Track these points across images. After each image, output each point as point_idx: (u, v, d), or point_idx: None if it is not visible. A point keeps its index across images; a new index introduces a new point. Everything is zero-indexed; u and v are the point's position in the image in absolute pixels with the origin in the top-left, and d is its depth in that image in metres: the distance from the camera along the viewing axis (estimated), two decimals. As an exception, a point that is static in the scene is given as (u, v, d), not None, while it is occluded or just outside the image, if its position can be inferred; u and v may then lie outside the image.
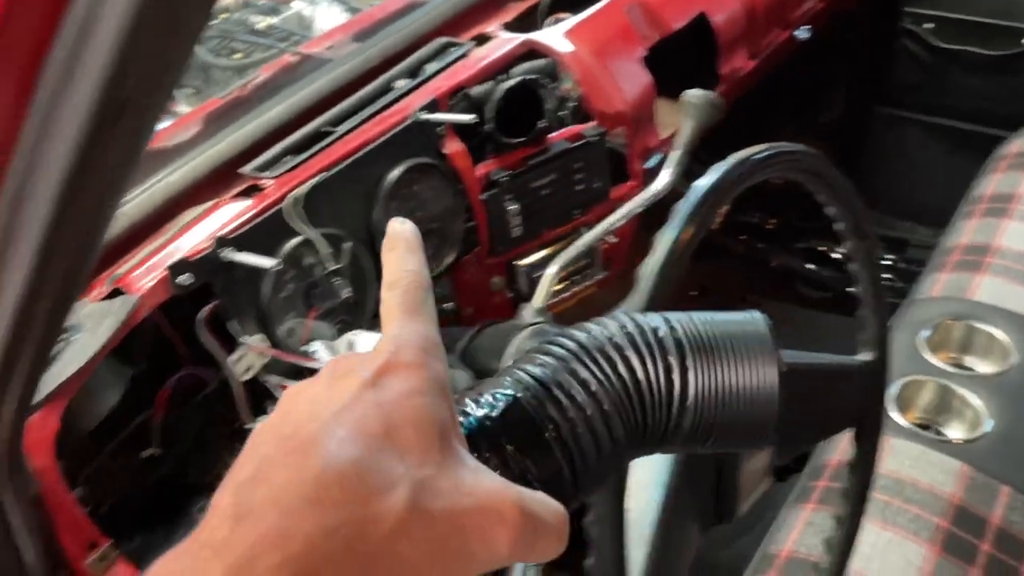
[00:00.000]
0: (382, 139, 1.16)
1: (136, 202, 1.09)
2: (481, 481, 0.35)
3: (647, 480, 0.79)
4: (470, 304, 1.35)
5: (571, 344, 0.47)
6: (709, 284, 2.34)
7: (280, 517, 0.30)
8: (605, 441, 0.44)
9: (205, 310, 1.00)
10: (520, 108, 1.29)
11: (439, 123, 1.21)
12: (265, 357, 1.01)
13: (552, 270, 1.11)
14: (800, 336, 0.99)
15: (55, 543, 0.80)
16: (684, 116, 1.00)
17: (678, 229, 0.67)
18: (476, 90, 1.32)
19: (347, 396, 0.34)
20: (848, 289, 0.79)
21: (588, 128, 1.37)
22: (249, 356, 1.00)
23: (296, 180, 1.09)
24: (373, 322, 1.14)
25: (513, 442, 0.41)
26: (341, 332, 1.12)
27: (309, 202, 1.06)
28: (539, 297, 1.09)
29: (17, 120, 0.47)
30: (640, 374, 0.46)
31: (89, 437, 0.90)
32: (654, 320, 0.49)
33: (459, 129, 1.26)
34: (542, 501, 0.36)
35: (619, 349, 0.46)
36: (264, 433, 0.35)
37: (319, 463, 0.31)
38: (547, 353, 0.46)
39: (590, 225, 1.44)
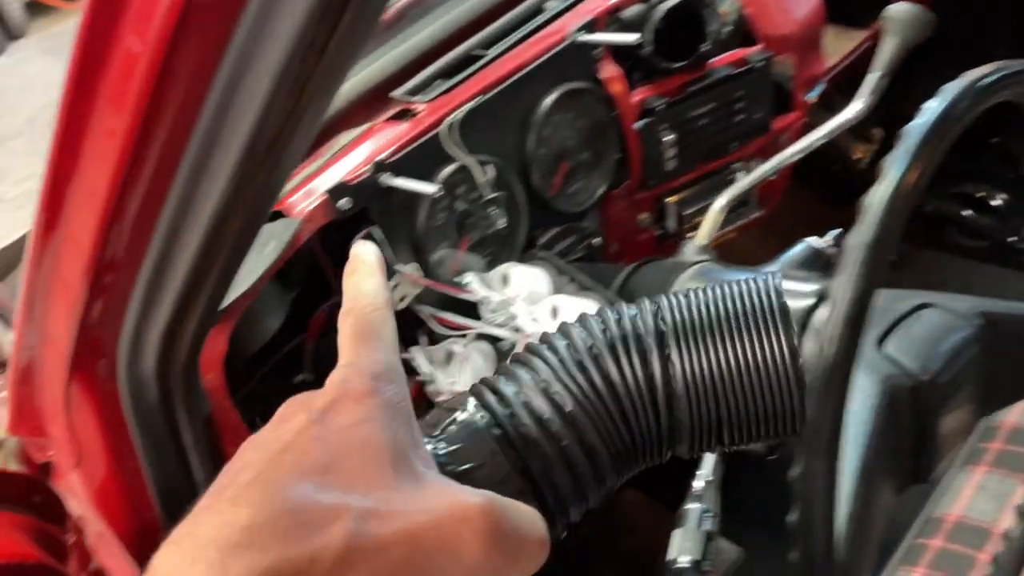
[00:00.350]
0: (538, 62, 1.10)
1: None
2: (442, 496, 0.35)
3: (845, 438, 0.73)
4: (616, 239, 1.29)
5: (549, 356, 0.42)
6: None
7: (206, 569, 0.30)
8: (584, 470, 0.40)
9: (359, 236, 0.98)
10: (679, 30, 1.20)
11: (596, 45, 1.14)
12: (419, 287, 0.98)
13: (719, 204, 1.03)
14: (951, 287, 0.89)
15: (224, 462, 0.81)
16: (886, 33, 0.90)
17: (911, 156, 0.59)
18: (628, 12, 1.23)
19: (289, 436, 0.35)
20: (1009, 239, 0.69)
21: (752, 53, 1.26)
22: (403, 285, 0.98)
23: (449, 105, 1.04)
24: (523, 255, 1.10)
25: (480, 483, 0.37)
26: (490, 265, 1.09)
27: (464, 128, 1.02)
28: (703, 233, 1.02)
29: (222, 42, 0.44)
30: (619, 383, 0.41)
31: (247, 360, 0.90)
32: (639, 311, 0.43)
33: (614, 52, 1.18)
34: (516, 506, 0.36)
35: (597, 359, 0.41)
36: (213, 484, 0.35)
37: (248, 509, 0.31)
38: (524, 364, 0.42)
39: (747, 160, 1.35)
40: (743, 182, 1.05)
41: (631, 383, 0.41)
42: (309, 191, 0.95)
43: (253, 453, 0.35)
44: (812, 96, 1.43)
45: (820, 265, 0.96)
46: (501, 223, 1.01)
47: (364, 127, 1.07)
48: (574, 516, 0.43)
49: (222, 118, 0.47)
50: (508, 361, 0.44)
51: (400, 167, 0.96)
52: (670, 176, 1.28)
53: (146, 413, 0.71)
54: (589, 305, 0.93)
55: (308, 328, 1.05)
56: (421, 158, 0.99)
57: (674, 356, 0.41)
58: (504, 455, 0.39)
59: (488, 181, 1.00)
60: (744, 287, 0.43)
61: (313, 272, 1.04)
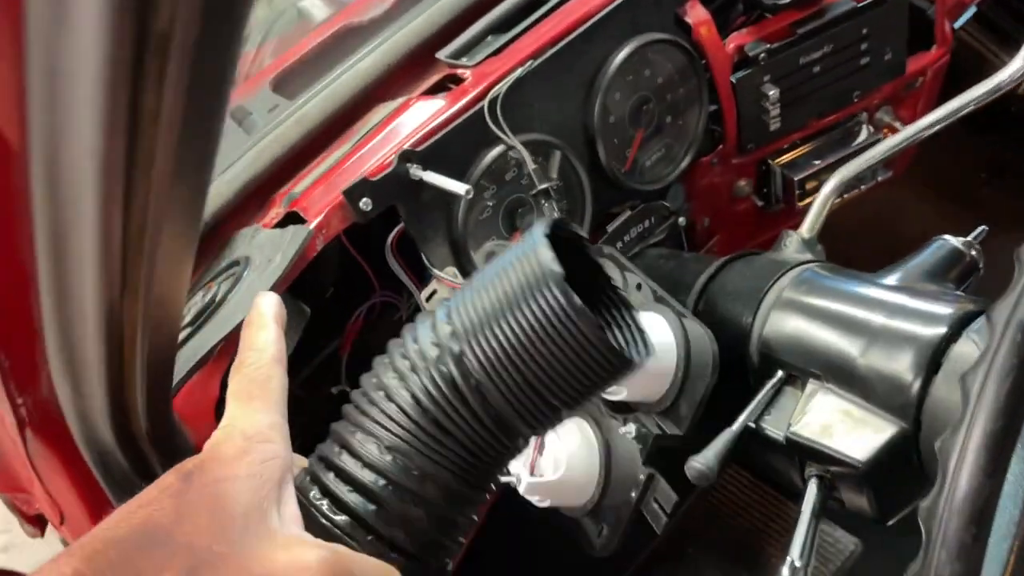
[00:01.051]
0: (605, 11, 0.90)
1: (322, 97, 0.94)
2: (286, 551, 0.40)
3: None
4: (706, 213, 1.10)
5: (369, 409, 0.47)
6: (1007, 160, 1.86)
7: None
8: (432, 512, 0.45)
9: (394, 233, 0.84)
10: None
11: (680, -15, 0.93)
12: (459, 294, 0.84)
13: (830, 186, 0.83)
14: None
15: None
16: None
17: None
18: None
19: (152, 493, 0.40)
20: None
21: (883, -22, 1.01)
22: (442, 291, 0.84)
23: (498, 70, 0.87)
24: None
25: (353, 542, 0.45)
26: (550, 258, 0.93)
27: (512, 100, 0.85)
28: (809, 223, 0.82)
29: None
30: (431, 407, 0.45)
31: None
32: (432, 322, 0.47)
33: (705, -8, 0.97)
34: (364, 561, 0.42)
35: (404, 379, 0.46)
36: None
37: (79, 564, 0.36)
38: (348, 426, 0.48)
39: (873, 110, 1.11)
40: (859, 160, 0.84)
41: (441, 399, 0.45)
42: (331, 184, 0.82)
43: (116, 512, 0.40)
44: (960, 24, 1.16)
45: (959, 272, 0.75)
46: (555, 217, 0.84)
47: (399, 101, 0.91)
48: (453, 550, 0.48)
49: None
50: (340, 421, 0.49)
51: (433, 155, 0.81)
52: (775, 136, 1.07)
53: (121, 480, 0.61)
54: (654, 321, 0.76)
55: (344, 334, 0.93)
56: (461, 141, 0.83)
57: (467, 352, 0.44)
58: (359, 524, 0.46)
59: (538, 169, 0.83)
60: (508, 258, 0.45)
61: (347, 270, 0.92)
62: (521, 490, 0.75)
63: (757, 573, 1.40)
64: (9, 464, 0.67)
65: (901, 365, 0.65)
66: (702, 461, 0.68)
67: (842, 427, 0.67)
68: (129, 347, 0.46)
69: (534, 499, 0.77)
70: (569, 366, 0.44)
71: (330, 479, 0.47)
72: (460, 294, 0.47)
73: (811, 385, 0.71)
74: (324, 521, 0.46)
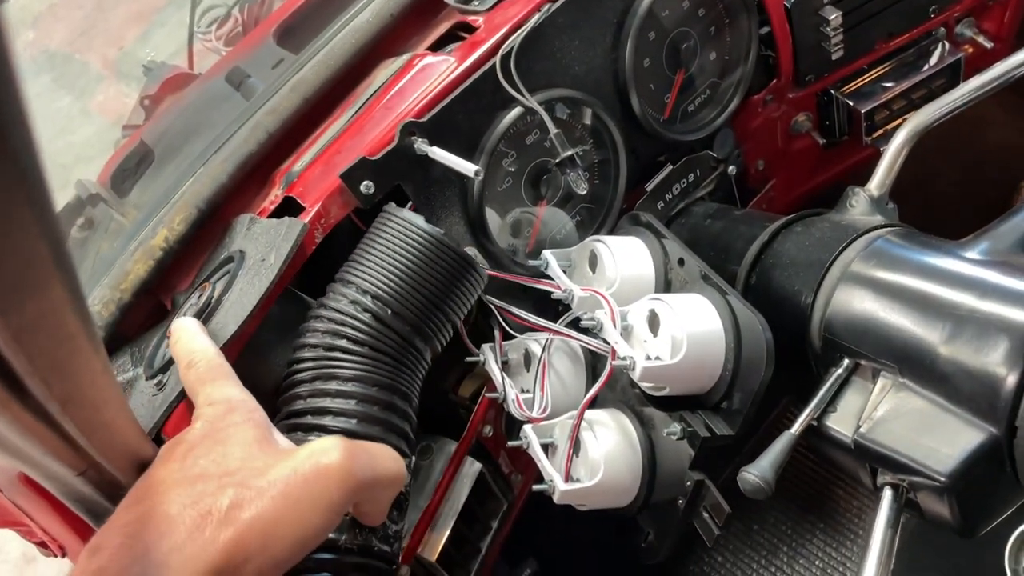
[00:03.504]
0: (634, -64, 0.78)
1: (322, 56, 0.84)
2: (301, 453, 0.48)
3: None
4: (760, 155, 0.98)
5: (308, 364, 0.62)
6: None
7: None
8: (386, 416, 0.61)
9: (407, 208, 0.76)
10: None
11: (721, -102, 0.80)
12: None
13: (903, 135, 0.71)
14: None
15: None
16: None
17: None
18: None
19: (170, 452, 0.50)
20: None
21: None
22: (461, 274, 0.76)
23: (514, 14, 0.76)
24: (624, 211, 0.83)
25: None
26: (581, 226, 0.83)
27: (530, 53, 0.74)
28: (879, 178, 0.71)
29: None
30: (364, 336, 0.62)
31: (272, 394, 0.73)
32: (333, 295, 0.65)
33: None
34: (368, 447, 0.51)
35: (337, 333, 0.62)
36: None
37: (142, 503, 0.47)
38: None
39: (952, 25, 0.96)
40: (944, 102, 0.71)
41: (372, 331, 0.62)
42: (331, 164, 0.73)
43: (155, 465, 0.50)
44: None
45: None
46: (583, 188, 0.74)
47: (404, 58, 0.81)
48: (412, 438, 0.64)
49: None
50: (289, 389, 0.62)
51: (441, 125, 0.71)
52: (838, 65, 0.93)
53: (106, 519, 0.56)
54: (696, 305, 0.67)
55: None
56: (472, 105, 0.73)
57: (380, 293, 0.63)
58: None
59: (560, 134, 0.72)
60: (382, 230, 0.66)
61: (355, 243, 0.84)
62: (556, 498, 0.68)
63: (825, 515, 1.33)
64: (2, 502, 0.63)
65: (993, 358, 0.55)
66: (757, 473, 0.59)
67: (920, 432, 0.58)
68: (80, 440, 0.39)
69: (572, 503, 0.70)
70: (441, 272, 0.63)
71: (308, 419, 0.59)
72: (345, 268, 0.66)
73: (883, 378, 0.61)
74: None
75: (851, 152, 1.04)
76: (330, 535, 0.53)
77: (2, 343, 0.24)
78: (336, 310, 0.62)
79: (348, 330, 0.61)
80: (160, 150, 1.01)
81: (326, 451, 0.48)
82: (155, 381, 0.66)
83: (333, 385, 0.59)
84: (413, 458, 0.65)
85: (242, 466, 0.48)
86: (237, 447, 0.49)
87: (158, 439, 0.60)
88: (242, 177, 0.80)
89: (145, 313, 0.80)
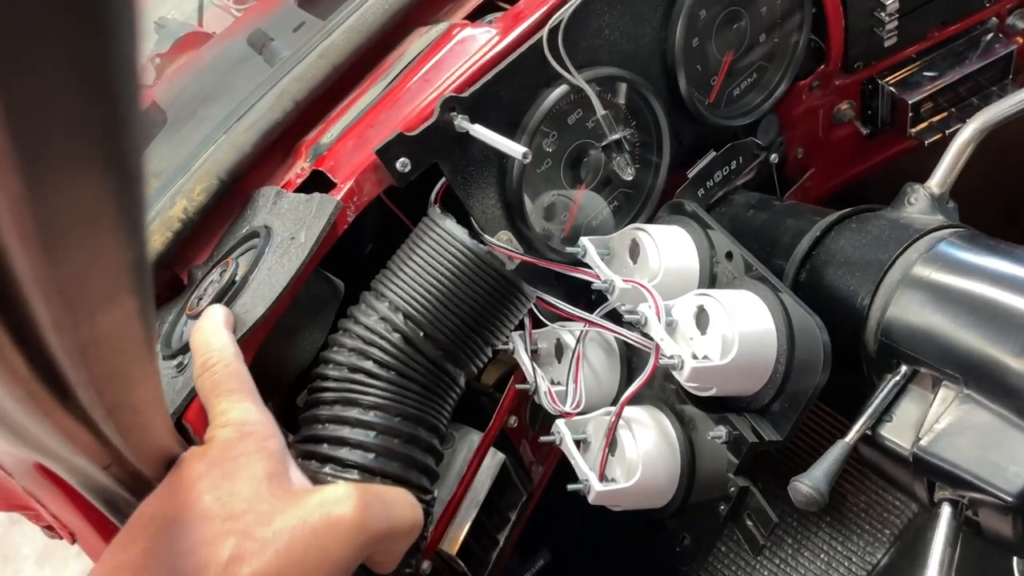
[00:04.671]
0: (690, -93, 0.73)
1: (353, 20, 0.80)
2: (311, 500, 0.44)
3: None
4: (800, 143, 0.94)
5: (331, 384, 0.58)
6: None
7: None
8: (408, 451, 0.56)
9: (438, 187, 0.72)
10: None
11: None
12: (513, 262, 0.72)
13: (969, 132, 0.67)
14: None
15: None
16: None
17: None
18: None
19: (175, 484, 0.45)
20: None
21: None
22: (495, 259, 0.72)
23: (559, -13, 0.72)
24: (662, 199, 0.80)
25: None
26: (619, 212, 0.80)
27: (577, 28, 0.70)
28: (940, 175, 0.68)
29: None
30: (390, 360, 0.57)
31: (296, 382, 0.69)
32: (363, 309, 0.61)
33: None
34: (384, 492, 0.48)
35: (363, 352, 0.58)
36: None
37: (150, 541, 0.42)
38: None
39: (1005, 14, 0.92)
40: (1017, 99, 0.67)
41: (400, 354, 0.57)
42: (361, 140, 0.69)
43: (151, 497, 0.45)
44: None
45: None
46: (629, 174, 0.70)
47: (441, 27, 0.77)
48: (436, 473, 0.61)
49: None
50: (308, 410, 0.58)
51: (483, 101, 0.67)
52: (889, 52, 0.90)
53: (125, 511, 0.53)
54: (747, 303, 0.63)
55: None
56: (516, 82, 0.69)
57: (411, 312, 0.58)
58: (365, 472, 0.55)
59: (608, 116, 0.68)
60: (411, 240, 0.62)
61: (389, 224, 0.80)
62: (591, 499, 0.65)
63: (832, 507, 1.31)
64: (6, 485, 0.59)
65: (1071, 375, 0.52)
66: (810, 484, 0.56)
67: (986, 447, 0.55)
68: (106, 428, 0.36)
69: (606, 505, 0.67)
70: (483, 294, 0.58)
71: (324, 448, 0.55)
72: (379, 278, 0.61)
73: (946, 388, 0.58)
74: (333, 481, 0.54)
75: (892, 143, 1.00)
76: None
77: (64, 355, 0.21)
78: (366, 327, 0.57)
79: (375, 351, 0.56)
80: (174, 112, 0.97)
81: (338, 501, 0.44)
82: (175, 362, 0.62)
83: (354, 413, 0.55)
84: (435, 493, 0.61)
85: (248, 508, 0.44)
86: (246, 484, 0.45)
87: (179, 425, 0.57)
88: (266, 147, 0.75)
89: (160, 287, 0.76)
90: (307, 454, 0.57)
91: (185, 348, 0.62)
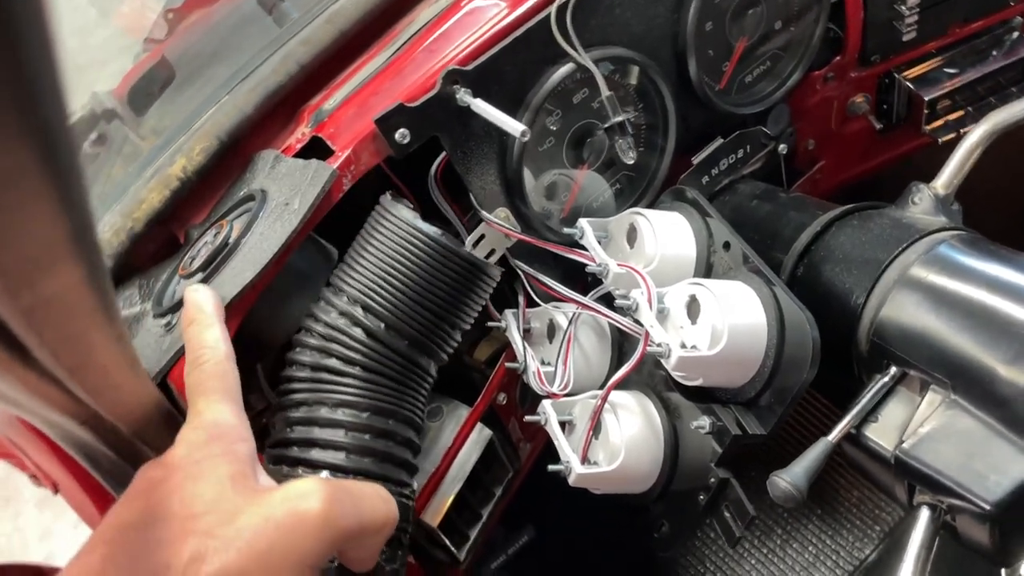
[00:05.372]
0: None
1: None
2: (276, 498, 0.43)
3: None
4: (811, 135, 0.93)
5: (296, 385, 0.56)
6: None
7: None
8: (381, 446, 0.55)
9: (438, 161, 0.71)
10: None
11: None
12: (510, 240, 0.72)
13: (979, 134, 0.66)
14: None
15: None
16: None
17: None
18: None
19: (140, 487, 0.45)
20: None
21: None
22: (490, 236, 0.71)
23: (572, -39, 0.70)
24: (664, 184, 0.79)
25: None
26: (620, 195, 0.79)
27: (587, 5, 0.69)
28: (947, 176, 0.67)
29: None
30: (354, 355, 0.55)
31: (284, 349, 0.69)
32: (321, 306, 0.59)
33: None
34: (357, 488, 0.47)
35: (325, 350, 0.56)
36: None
37: (109, 548, 0.42)
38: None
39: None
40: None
41: (364, 348, 0.55)
42: (363, 107, 0.68)
43: (118, 504, 0.44)
44: None
45: None
46: (631, 157, 0.70)
47: (451, -2, 0.76)
48: (415, 466, 0.59)
49: None
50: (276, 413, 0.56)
51: (486, 75, 0.66)
52: (908, 47, 0.88)
53: (110, 468, 0.53)
54: (740, 295, 0.63)
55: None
56: (521, 57, 0.68)
57: (372, 304, 0.56)
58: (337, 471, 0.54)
59: (613, 97, 0.67)
60: (375, 229, 0.60)
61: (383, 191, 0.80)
62: (571, 480, 0.65)
63: (823, 501, 1.31)
64: (-7, 433, 0.60)
65: (1060, 387, 0.51)
66: (789, 480, 0.56)
67: (968, 454, 0.54)
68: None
69: (586, 487, 0.67)
70: (443, 278, 0.56)
71: (293, 451, 0.54)
72: (337, 272, 0.59)
73: (933, 392, 0.58)
74: None
75: (905, 139, 0.98)
76: None
77: (10, 320, 0.21)
78: (326, 323, 0.56)
79: (337, 347, 0.55)
80: (183, 70, 0.96)
81: (303, 496, 0.43)
82: (164, 321, 0.62)
83: (322, 412, 0.53)
84: (414, 486, 0.60)
85: (210, 509, 0.43)
86: (209, 485, 0.44)
87: (163, 385, 0.57)
88: (268, 109, 0.75)
89: (157, 244, 0.76)
90: (277, 459, 0.56)
91: (175, 307, 0.62)
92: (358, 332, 0.55)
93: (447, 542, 0.77)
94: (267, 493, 0.44)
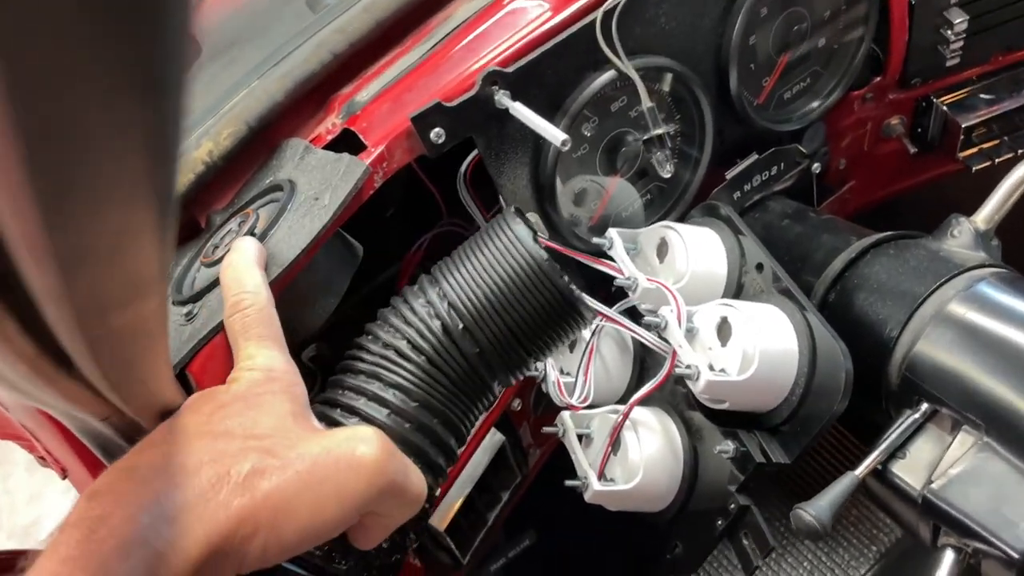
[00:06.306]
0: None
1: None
2: (334, 433, 0.46)
3: None
4: (843, 154, 0.92)
5: (362, 354, 0.55)
6: None
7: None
8: (418, 440, 0.53)
9: (469, 160, 0.70)
10: None
11: None
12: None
13: (1020, 174, 0.64)
14: None
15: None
16: None
17: None
18: None
19: (205, 416, 0.45)
20: None
21: None
22: (519, 241, 0.70)
23: (619, -35, 0.69)
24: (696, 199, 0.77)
25: None
26: (650, 207, 0.78)
27: (633, 13, 0.67)
28: (988, 211, 0.65)
29: None
30: (422, 343, 0.54)
31: (302, 345, 0.68)
32: (416, 289, 0.57)
33: None
34: (405, 459, 0.47)
35: (399, 330, 0.55)
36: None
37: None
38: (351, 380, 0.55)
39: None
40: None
41: (434, 340, 0.54)
42: (397, 104, 0.67)
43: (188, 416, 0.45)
44: None
45: None
46: (668, 170, 0.68)
47: (492, -5, 0.74)
48: (445, 474, 0.56)
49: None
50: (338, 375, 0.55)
51: (526, 78, 0.65)
52: (949, 72, 0.86)
53: (119, 456, 0.52)
54: (772, 319, 0.62)
55: (403, 265, 0.81)
56: (562, 62, 0.66)
57: (456, 302, 0.55)
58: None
59: (654, 109, 0.66)
60: (486, 236, 0.57)
61: (414, 189, 0.79)
62: (588, 497, 0.64)
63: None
64: (1, 415, 0.58)
65: (1098, 438, 0.50)
66: (814, 514, 0.55)
67: (999, 499, 0.53)
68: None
69: (602, 504, 0.66)
70: (533, 303, 0.54)
71: (335, 413, 0.53)
72: (440, 264, 0.58)
73: (965, 433, 0.57)
74: None
75: (937, 164, 0.97)
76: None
77: (71, 346, 0.19)
78: (411, 307, 0.56)
79: (411, 332, 0.54)
80: (209, 47, 0.94)
81: (366, 440, 0.44)
82: (185, 310, 0.61)
83: (374, 387, 0.53)
84: (435, 493, 0.58)
85: (272, 433, 0.44)
86: (270, 416, 0.45)
87: (182, 376, 0.56)
88: (299, 97, 0.73)
89: (177, 228, 0.75)
90: (319, 415, 0.56)
91: (197, 296, 0.61)
92: (436, 324, 0.54)
93: (452, 546, 0.76)
94: (329, 431, 0.46)
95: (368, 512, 0.45)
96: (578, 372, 0.71)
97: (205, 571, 0.39)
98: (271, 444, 0.43)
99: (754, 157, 0.80)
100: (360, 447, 0.44)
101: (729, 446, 0.62)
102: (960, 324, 0.59)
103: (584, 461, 0.65)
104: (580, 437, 0.68)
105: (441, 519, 0.74)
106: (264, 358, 0.49)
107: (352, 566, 0.53)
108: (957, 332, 0.59)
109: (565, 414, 0.68)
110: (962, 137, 0.90)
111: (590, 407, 0.69)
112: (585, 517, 1.14)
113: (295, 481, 0.41)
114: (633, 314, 0.68)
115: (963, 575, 0.56)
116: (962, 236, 0.65)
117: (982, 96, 0.91)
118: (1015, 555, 0.51)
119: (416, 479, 0.48)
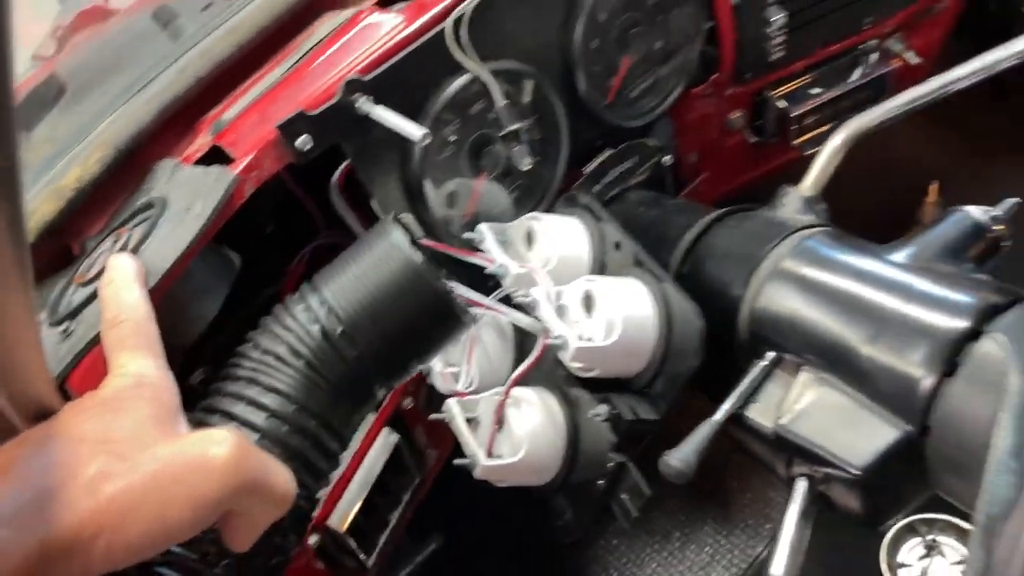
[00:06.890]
0: (594, -87, 0.77)
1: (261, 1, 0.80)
2: (193, 440, 0.44)
3: None
4: (694, 148, 1.00)
5: (241, 361, 0.56)
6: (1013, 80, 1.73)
7: None
8: (297, 443, 0.54)
9: (340, 169, 0.73)
10: None
11: None
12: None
13: (840, 139, 0.73)
14: None
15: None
16: None
17: None
18: None
19: (66, 417, 0.45)
20: None
21: None
22: (394, 241, 0.73)
23: (466, -21, 0.74)
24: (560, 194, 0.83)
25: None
26: (518, 203, 0.82)
27: (481, 20, 0.72)
28: (812, 179, 0.73)
29: None
30: (302, 348, 0.55)
31: (188, 352, 0.69)
32: (296, 297, 0.58)
33: None
34: (268, 459, 0.47)
35: (278, 336, 0.56)
36: None
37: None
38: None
39: (883, 38, 1.00)
40: (881, 110, 0.73)
41: (313, 345, 0.55)
42: (264, 116, 0.70)
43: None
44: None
45: (979, 250, 0.66)
46: (527, 163, 0.73)
47: (349, 12, 0.78)
48: (327, 477, 0.57)
49: None
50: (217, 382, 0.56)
51: (386, 84, 0.69)
52: (776, 66, 0.95)
53: None
54: (631, 290, 0.67)
55: (285, 278, 0.83)
56: (419, 67, 0.71)
57: (334, 307, 0.55)
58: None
59: (507, 107, 0.71)
60: (365, 242, 0.58)
61: (289, 206, 0.81)
62: (477, 473, 0.67)
63: (717, 504, 1.37)
64: None
65: (911, 361, 0.57)
66: (680, 458, 0.60)
67: (838, 425, 0.59)
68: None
69: (491, 480, 0.69)
70: (409, 306, 0.55)
71: (214, 420, 0.54)
72: (321, 271, 0.58)
73: (805, 373, 0.63)
74: None
75: (778, 153, 1.06)
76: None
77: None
78: (290, 313, 0.56)
79: (291, 337, 0.55)
80: (74, 86, 0.95)
81: (218, 441, 0.44)
82: (61, 328, 0.61)
83: (252, 392, 0.54)
84: (317, 495, 0.59)
85: (125, 437, 0.44)
86: (128, 420, 0.45)
87: (62, 390, 0.56)
88: (166, 120, 0.75)
89: (49, 256, 0.75)
90: (197, 422, 0.56)
91: (73, 313, 0.61)
92: (315, 329, 0.55)
93: (355, 547, 0.77)
94: (183, 435, 0.46)
95: (230, 512, 0.45)
96: (462, 361, 0.75)
97: (42, 570, 0.39)
98: (123, 448, 0.43)
99: (608, 152, 0.86)
100: (212, 448, 0.43)
101: (602, 409, 0.67)
102: (793, 277, 0.66)
103: (472, 441, 0.68)
104: (469, 421, 0.71)
105: (341, 521, 0.76)
106: (136, 366, 0.49)
107: (228, 569, 0.52)
108: (791, 285, 0.65)
109: (451, 401, 0.71)
110: (794, 126, 1.00)
111: (475, 393, 0.73)
112: (491, 520, 1.17)
113: (142, 483, 0.42)
114: (511, 304, 0.73)
115: (816, 504, 0.62)
116: (791, 203, 0.73)
117: (810, 88, 1.01)
118: (856, 472, 0.57)
119: (281, 478, 0.47)
